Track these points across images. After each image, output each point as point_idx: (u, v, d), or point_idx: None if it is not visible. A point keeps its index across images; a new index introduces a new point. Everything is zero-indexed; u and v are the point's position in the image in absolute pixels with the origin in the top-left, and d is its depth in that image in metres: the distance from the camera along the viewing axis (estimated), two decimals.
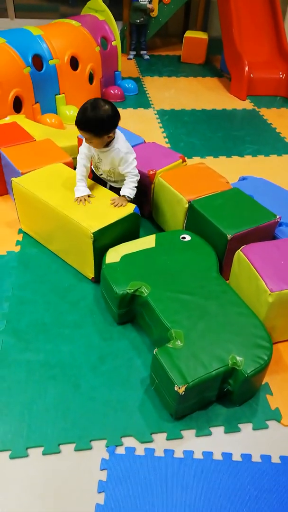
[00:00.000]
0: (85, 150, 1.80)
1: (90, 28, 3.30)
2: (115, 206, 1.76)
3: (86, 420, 1.30)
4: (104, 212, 1.72)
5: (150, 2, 4.35)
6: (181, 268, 1.64)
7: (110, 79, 3.69)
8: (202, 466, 1.22)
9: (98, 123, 1.63)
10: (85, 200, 1.75)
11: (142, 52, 4.76)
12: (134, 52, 4.74)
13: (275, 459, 1.25)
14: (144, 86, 4.05)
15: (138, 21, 4.40)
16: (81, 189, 1.76)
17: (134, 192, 1.83)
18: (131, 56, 4.73)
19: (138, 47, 4.72)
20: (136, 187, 1.84)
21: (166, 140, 3.07)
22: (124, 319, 1.63)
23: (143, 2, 4.30)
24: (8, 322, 1.60)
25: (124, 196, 1.80)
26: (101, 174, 1.94)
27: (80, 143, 2.31)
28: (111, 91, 3.59)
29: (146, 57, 4.75)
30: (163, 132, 3.18)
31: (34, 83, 2.86)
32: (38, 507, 1.12)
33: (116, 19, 3.64)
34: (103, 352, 1.51)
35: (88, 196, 1.77)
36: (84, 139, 1.74)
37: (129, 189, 1.81)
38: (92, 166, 1.96)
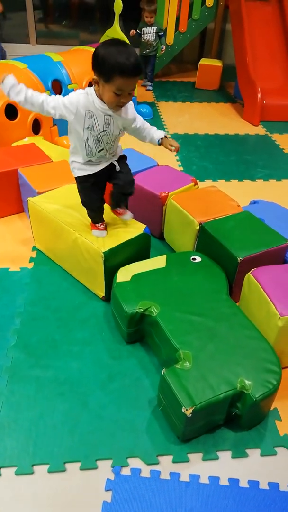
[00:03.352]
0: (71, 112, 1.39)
1: None
2: (175, 149, 1.56)
3: (93, 439, 1.30)
4: (114, 232, 1.76)
5: (158, 37, 4.19)
6: (191, 289, 1.65)
7: None
8: (208, 491, 1.20)
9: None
10: None
11: (147, 83, 4.63)
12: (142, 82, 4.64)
13: (283, 487, 1.23)
14: (159, 110, 4.15)
15: (144, 52, 4.29)
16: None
17: None
18: (149, 87, 4.63)
19: (148, 77, 4.58)
20: None
21: (179, 163, 3.13)
22: (133, 338, 1.64)
23: (145, 38, 4.18)
24: (19, 338, 1.62)
25: (165, 137, 1.59)
26: (100, 151, 1.50)
27: None
28: None
29: (149, 88, 4.61)
30: (176, 156, 3.24)
31: None
32: None
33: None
34: (112, 371, 1.52)
35: None
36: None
37: (158, 131, 1.59)
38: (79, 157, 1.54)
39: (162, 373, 1.33)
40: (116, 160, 1.60)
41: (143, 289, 1.63)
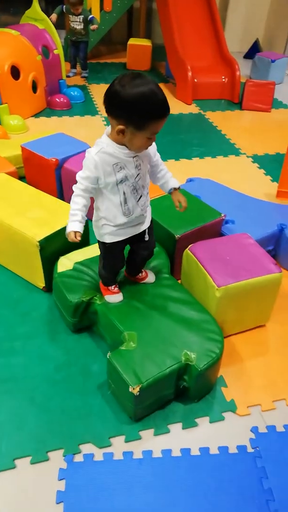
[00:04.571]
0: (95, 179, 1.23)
1: (30, 37, 3.27)
2: (182, 209, 1.41)
3: (42, 432, 1.28)
4: (49, 219, 1.70)
5: (89, 22, 4.00)
6: None
7: (55, 87, 3.67)
8: (162, 464, 1.22)
9: None
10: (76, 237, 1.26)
11: (81, 70, 4.47)
12: (75, 70, 4.46)
13: (232, 449, 1.28)
14: (90, 93, 4.06)
15: (74, 38, 4.13)
16: (74, 224, 1.26)
17: None
18: (71, 74, 4.41)
19: (81, 65, 4.42)
20: None
21: None
22: (79, 327, 1.61)
23: (72, 26, 4.02)
24: None
25: (177, 188, 1.42)
26: (139, 199, 1.31)
27: (25, 153, 2.27)
28: (57, 99, 3.57)
29: (84, 75, 4.46)
30: None
31: None
32: None
33: (59, 28, 3.64)
34: (58, 362, 1.49)
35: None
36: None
37: (173, 178, 1.42)
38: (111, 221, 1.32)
39: (108, 357, 1.32)
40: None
41: (86, 277, 1.61)
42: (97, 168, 1.19)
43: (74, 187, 1.25)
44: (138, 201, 1.31)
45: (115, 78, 1.11)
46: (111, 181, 1.22)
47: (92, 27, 4.02)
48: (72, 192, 1.27)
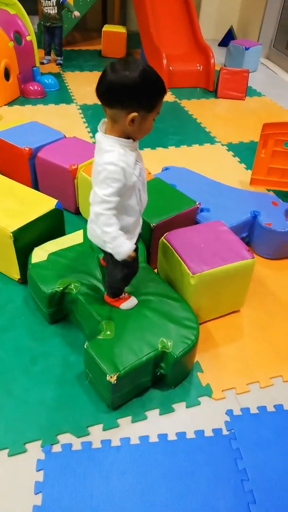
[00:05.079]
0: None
1: (1, 22, 3.17)
2: None
3: (19, 424, 1.27)
4: (23, 210, 1.67)
5: (62, 6, 3.95)
6: None
7: (28, 75, 3.58)
8: (139, 451, 1.24)
9: None
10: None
11: (56, 57, 4.41)
12: (49, 57, 4.39)
13: (208, 433, 1.31)
14: (65, 81, 3.98)
15: (48, 24, 4.06)
16: (128, 242, 1.20)
17: None
18: (45, 61, 4.35)
19: (56, 51, 4.36)
20: None
21: (90, 134, 3.05)
22: (56, 318, 1.60)
23: (46, 11, 3.94)
24: None
25: None
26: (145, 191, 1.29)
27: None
28: (31, 87, 3.50)
29: (59, 61, 4.41)
30: (87, 127, 3.16)
31: None
32: None
33: (31, 14, 3.53)
34: (35, 353, 1.48)
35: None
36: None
37: None
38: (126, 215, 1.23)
39: (85, 346, 1.32)
40: None
41: (61, 267, 1.59)
42: (125, 176, 1.10)
43: (102, 210, 1.12)
44: (146, 193, 1.27)
45: (104, 72, 1.06)
46: (133, 181, 1.14)
47: (75, 13, 3.96)
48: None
